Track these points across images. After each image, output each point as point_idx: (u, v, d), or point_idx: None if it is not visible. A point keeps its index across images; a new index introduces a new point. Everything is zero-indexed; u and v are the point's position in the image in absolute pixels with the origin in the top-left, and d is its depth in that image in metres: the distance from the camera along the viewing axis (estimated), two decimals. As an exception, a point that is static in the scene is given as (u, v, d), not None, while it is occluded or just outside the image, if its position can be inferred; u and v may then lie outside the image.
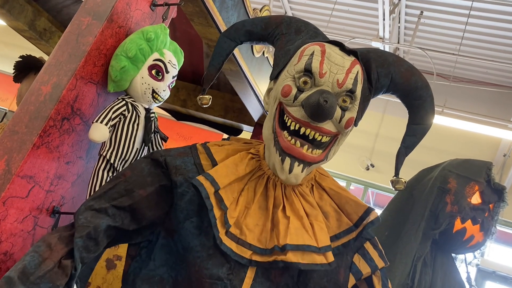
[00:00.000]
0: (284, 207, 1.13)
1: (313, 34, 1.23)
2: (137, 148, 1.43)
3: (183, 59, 1.60)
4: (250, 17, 2.15)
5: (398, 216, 2.34)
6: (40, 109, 1.25)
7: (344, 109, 1.11)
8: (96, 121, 1.34)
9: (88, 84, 1.36)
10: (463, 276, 2.25)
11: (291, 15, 6.64)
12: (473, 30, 5.84)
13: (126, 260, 1.18)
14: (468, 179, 2.17)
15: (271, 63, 2.71)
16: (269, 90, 1.25)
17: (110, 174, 1.39)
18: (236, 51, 2.16)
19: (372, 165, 7.07)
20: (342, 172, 7.09)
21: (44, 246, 1.00)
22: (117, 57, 1.40)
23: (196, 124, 3.63)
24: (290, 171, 1.08)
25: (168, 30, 1.51)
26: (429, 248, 2.15)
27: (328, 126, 1.10)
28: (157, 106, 3.21)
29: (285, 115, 1.12)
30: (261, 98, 2.77)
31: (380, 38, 5.68)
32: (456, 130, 5.87)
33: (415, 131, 1.22)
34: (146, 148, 1.47)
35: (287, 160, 1.09)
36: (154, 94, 1.46)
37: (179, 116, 3.54)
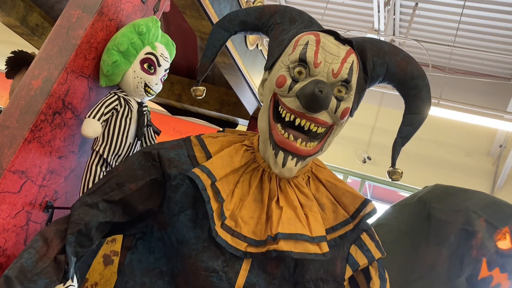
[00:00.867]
0: (278, 198, 1.12)
1: (308, 23, 1.22)
2: (130, 143, 1.42)
3: (175, 52, 1.58)
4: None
5: (411, 233, 2.20)
6: (31, 104, 1.23)
7: (339, 99, 1.10)
8: (89, 116, 1.32)
9: (79, 78, 1.34)
10: None
11: (286, 8, 6.59)
12: (468, 21, 5.83)
13: (121, 251, 1.19)
14: (495, 226, 2.03)
15: (265, 56, 2.68)
16: (263, 81, 1.23)
17: (104, 169, 1.37)
18: (229, 44, 2.14)
19: (369, 158, 7.07)
20: (339, 165, 7.08)
21: (41, 241, 1.04)
22: (109, 51, 1.38)
23: (192, 118, 3.61)
24: (284, 165, 1.07)
25: (159, 23, 1.49)
26: None
27: (324, 116, 1.09)
28: (153, 102, 3.18)
29: (280, 106, 1.10)
30: (256, 91, 2.75)
31: (375, 30, 5.66)
32: (452, 122, 5.86)
33: (412, 120, 1.21)
34: (139, 142, 1.46)
35: (280, 154, 1.07)
36: (147, 88, 1.45)
37: (174, 110, 3.52)
